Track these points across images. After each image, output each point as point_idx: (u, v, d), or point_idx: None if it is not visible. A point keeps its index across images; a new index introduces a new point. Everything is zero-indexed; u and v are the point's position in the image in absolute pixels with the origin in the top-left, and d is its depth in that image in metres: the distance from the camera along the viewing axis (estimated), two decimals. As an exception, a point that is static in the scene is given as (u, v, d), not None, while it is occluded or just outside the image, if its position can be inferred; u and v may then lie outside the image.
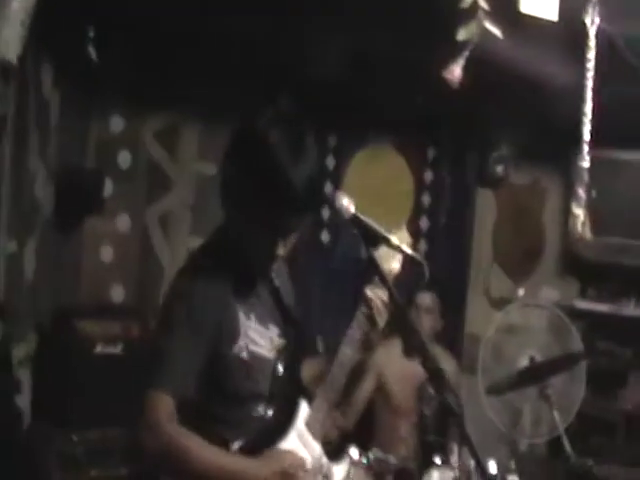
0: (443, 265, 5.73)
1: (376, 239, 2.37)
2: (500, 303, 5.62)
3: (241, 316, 2.35)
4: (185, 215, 5.45)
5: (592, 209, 5.27)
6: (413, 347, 2.32)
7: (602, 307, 5.44)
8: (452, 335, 5.55)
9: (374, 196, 5.56)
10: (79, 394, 4.10)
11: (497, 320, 5.20)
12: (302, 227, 2.42)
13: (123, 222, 5.25)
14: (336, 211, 2.37)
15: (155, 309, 4.72)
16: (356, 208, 2.35)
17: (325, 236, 5.63)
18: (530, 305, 5.33)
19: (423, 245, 5.77)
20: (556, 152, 5.14)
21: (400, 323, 2.56)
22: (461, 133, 5.70)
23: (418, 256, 2.43)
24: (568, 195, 4.71)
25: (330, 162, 5.74)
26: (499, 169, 5.78)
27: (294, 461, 2.35)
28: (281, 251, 2.39)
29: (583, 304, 5.52)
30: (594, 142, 5.00)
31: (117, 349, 4.33)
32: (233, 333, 2.33)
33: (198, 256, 2.44)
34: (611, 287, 5.48)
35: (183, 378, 2.25)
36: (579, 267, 5.61)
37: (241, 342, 2.34)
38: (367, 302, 2.64)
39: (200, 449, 2.23)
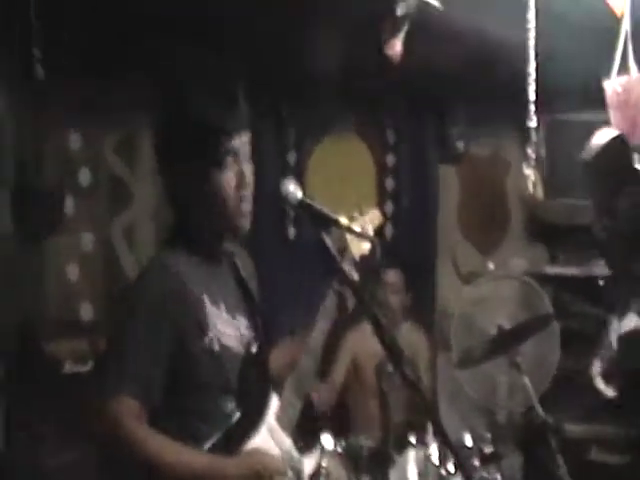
0: (411, 246, 5.75)
1: (326, 221, 2.36)
2: (470, 277, 5.62)
3: (208, 306, 2.32)
4: (149, 225, 5.46)
5: (552, 172, 5.34)
6: (370, 323, 2.33)
7: (572, 270, 5.44)
8: (424, 313, 5.59)
9: (338, 185, 5.59)
10: (51, 415, 4.09)
11: (467, 294, 5.21)
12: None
13: (87, 239, 5.25)
14: (283, 197, 2.38)
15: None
16: (321, 198, 2.38)
17: (291, 232, 5.65)
18: (500, 276, 5.33)
19: (389, 229, 5.76)
20: (514, 121, 5.14)
21: (359, 302, 2.56)
22: (419, 112, 5.71)
23: (370, 235, 2.43)
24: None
25: (291, 157, 5.75)
26: (460, 145, 5.80)
27: (270, 463, 2.32)
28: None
29: (553, 269, 5.52)
30: (552, 106, 5.06)
31: (87, 367, 4.33)
32: (201, 325, 2.29)
33: (154, 255, 2.42)
34: (579, 249, 5.48)
35: (146, 379, 2.21)
36: (546, 233, 5.63)
37: (211, 334, 2.30)
38: (337, 290, 2.65)
39: (172, 449, 2.21)
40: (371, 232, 2.47)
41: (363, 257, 2.69)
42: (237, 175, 2.38)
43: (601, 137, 3.87)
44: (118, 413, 2.17)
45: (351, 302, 2.62)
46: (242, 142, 2.39)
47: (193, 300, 2.29)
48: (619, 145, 3.88)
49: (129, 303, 2.29)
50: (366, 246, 2.69)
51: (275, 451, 2.39)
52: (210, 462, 2.25)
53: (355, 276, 2.43)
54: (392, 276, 4.95)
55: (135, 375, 2.20)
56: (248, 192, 2.39)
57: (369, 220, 2.73)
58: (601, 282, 5.18)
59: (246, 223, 2.41)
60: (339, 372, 4.98)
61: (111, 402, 2.18)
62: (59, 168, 5.19)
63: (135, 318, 2.25)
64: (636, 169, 3.85)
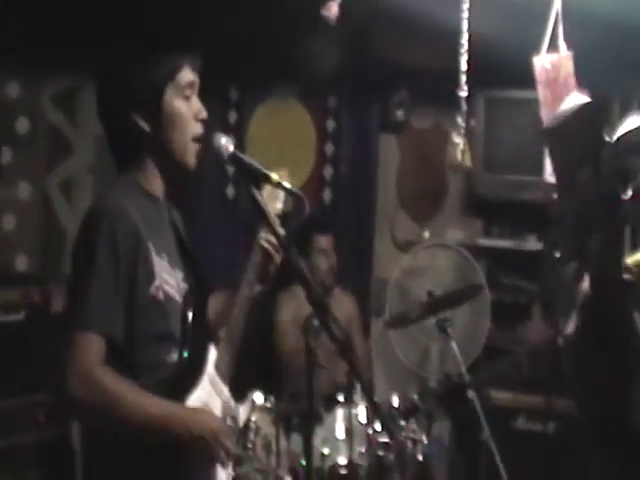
0: (349, 212, 5.80)
1: (257, 177, 2.41)
2: (406, 246, 5.70)
3: (154, 255, 2.31)
4: (87, 179, 5.42)
5: (490, 148, 5.43)
6: (298, 279, 2.37)
7: (505, 243, 5.54)
8: (361, 280, 5.65)
9: (278, 148, 5.61)
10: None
11: (403, 262, 5.28)
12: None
13: (24, 189, 5.19)
14: (214, 151, 2.40)
15: (59, 274, 4.77)
16: (261, 161, 2.40)
17: (230, 191, 5.66)
18: (435, 245, 5.41)
19: (328, 194, 5.81)
20: (455, 93, 5.19)
21: (286, 262, 2.60)
22: (361, 80, 5.72)
23: (298, 191, 2.45)
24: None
25: (232, 116, 5.75)
26: (399, 113, 5.84)
27: (222, 425, 2.38)
28: None
29: (487, 242, 5.61)
30: (488, 81, 5.12)
31: (19, 316, 4.29)
32: (149, 273, 2.29)
33: (104, 193, 2.40)
34: (512, 223, 5.59)
35: (111, 316, 2.20)
36: (481, 206, 5.70)
37: (157, 282, 2.30)
38: (258, 248, 2.68)
39: (135, 395, 2.21)
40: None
41: (278, 214, 2.73)
42: (195, 106, 2.43)
43: (570, 103, 3.88)
44: (83, 352, 2.15)
45: (277, 257, 2.67)
46: (196, 78, 2.44)
47: (143, 247, 2.29)
48: (589, 112, 3.88)
49: (88, 244, 2.25)
50: (279, 205, 2.71)
51: (216, 400, 2.43)
52: (170, 408, 2.27)
53: (282, 232, 2.46)
54: (323, 241, 4.97)
55: (101, 312, 2.19)
56: (201, 127, 2.43)
57: (279, 177, 2.76)
58: (557, 254, 5.24)
59: (194, 161, 2.44)
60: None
61: (76, 338, 2.16)
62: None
63: (99, 252, 2.21)
64: (604, 141, 3.83)
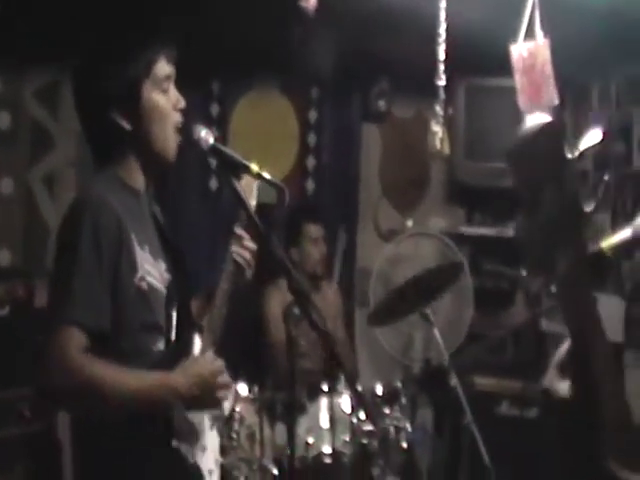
0: (332, 203, 5.80)
1: (237, 168, 2.42)
2: (390, 235, 5.72)
3: (136, 246, 2.33)
4: (69, 173, 5.42)
5: (471, 136, 5.45)
6: (278, 268, 2.38)
7: (487, 231, 5.58)
8: (344, 270, 5.65)
9: (261, 140, 5.61)
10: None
11: (386, 251, 5.30)
12: None
13: (6, 184, 5.19)
14: (194, 143, 2.42)
15: (43, 269, 4.77)
16: (244, 153, 2.42)
17: (213, 183, 5.67)
18: (418, 234, 5.44)
19: (311, 184, 5.82)
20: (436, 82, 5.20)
21: (264, 251, 2.61)
22: (342, 70, 5.73)
23: (278, 182, 2.46)
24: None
25: (214, 109, 5.75)
26: (381, 103, 5.86)
27: (212, 367, 2.38)
28: None
29: (469, 230, 5.65)
30: (468, 69, 5.15)
31: (3, 311, 4.30)
32: (132, 263, 2.30)
33: (87, 187, 2.42)
34: (494, 211, 5.63)
35: (94, 309, 2.21)
36: (463, 194, 5.73)
37: (140, 273, 2.32)
38: (237, 240, 2.69)
39: (118, 375, 2.22)
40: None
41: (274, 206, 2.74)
42: (173, 97, 2.44)
43: (530, 123, 3.91)
44: (64, 344, 2.16)
45: (249, 272, 2.69)
46: (172, 69, 2.45)
47: (126, 238, 2.30)
48: (550, 133, 3.92)
49: (71, 237, 2.26)
50: (253, 201, 2.71)
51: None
52: (158, 379, 2.29)
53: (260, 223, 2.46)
54: (314, 230, 4.99)
55: (84, 306, 2.20)
56: (180, 116, 2.44)
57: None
58: (524, 272, 5.28)
59: (174, 153, 2.45)
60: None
61: (60, 331, 2.17)
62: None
63: (82, 244, 2.22)
64: (567, 160, 3.87)
